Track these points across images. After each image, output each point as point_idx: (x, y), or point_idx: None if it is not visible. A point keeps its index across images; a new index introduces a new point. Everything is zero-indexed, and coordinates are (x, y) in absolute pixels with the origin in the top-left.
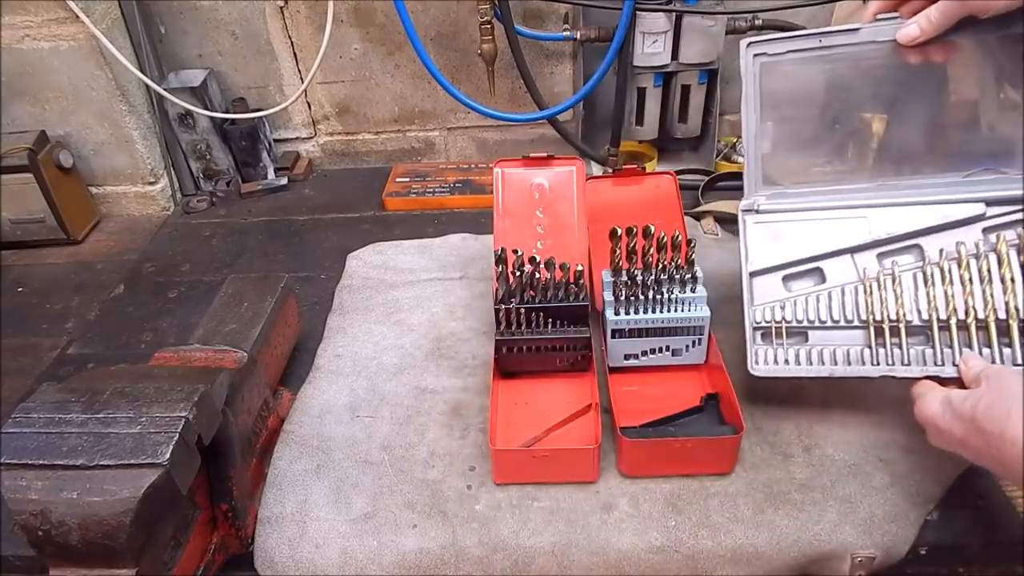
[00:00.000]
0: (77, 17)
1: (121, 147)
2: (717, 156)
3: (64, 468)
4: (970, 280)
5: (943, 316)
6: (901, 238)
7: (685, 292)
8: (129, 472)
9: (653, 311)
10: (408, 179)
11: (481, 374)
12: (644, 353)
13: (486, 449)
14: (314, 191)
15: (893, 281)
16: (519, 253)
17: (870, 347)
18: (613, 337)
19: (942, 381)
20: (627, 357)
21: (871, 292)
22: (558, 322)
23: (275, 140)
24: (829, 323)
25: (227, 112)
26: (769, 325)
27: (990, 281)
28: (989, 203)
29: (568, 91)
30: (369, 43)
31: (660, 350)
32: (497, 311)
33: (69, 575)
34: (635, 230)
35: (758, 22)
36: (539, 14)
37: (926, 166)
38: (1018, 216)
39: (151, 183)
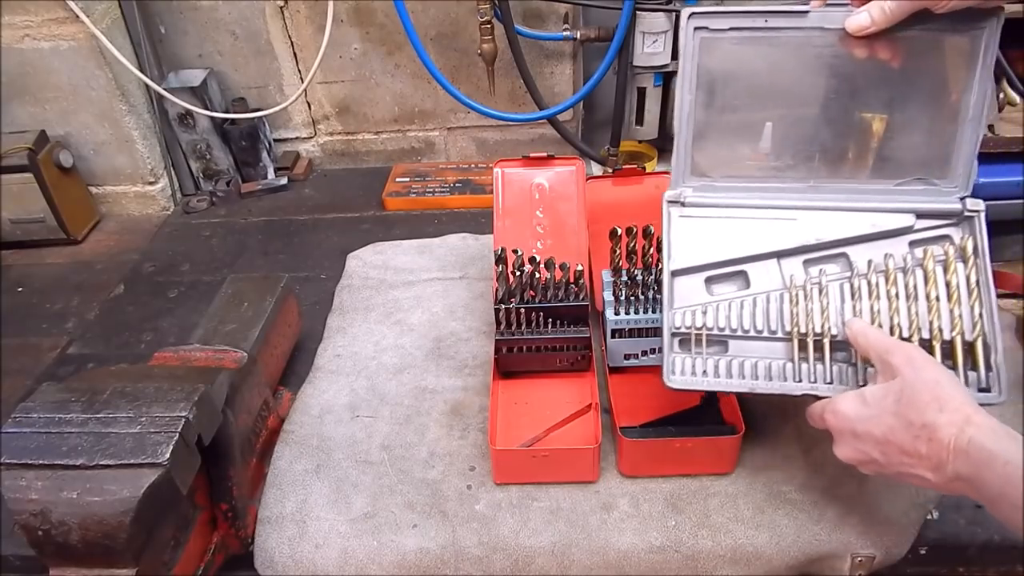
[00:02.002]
0: (77, 17)
1: (121, 147)
2: None
3: (64, 468)
4: (896, 296)
5: None
6: (829, 245)
7: None
8: (129, 472)
9: (653, 311)
10: (408, 179)
11: (481, 374)
12: (644, 353)
13: (486, 449)
14: (314, 191)
15: (820, 292)
16: (519, 253)
17: (792, 361)
18: (613, 337)
19: None
20: (627, 357)
21: (796, 302)
22: (558, 322)
23: (275, 140)
24: (752, 332)
25: (227, 112)
26: (688, 332)
27: (915, 299)
28: (919, 215)
29: (568, 91)
30: (369, 43)
31: (660, 350)
32: (497, 311)
33: (69, 575)
34: (635, 230)
35: None
36: (539, 14)
37: (860, 170)
38: (945, 231)
39: (151, 183)
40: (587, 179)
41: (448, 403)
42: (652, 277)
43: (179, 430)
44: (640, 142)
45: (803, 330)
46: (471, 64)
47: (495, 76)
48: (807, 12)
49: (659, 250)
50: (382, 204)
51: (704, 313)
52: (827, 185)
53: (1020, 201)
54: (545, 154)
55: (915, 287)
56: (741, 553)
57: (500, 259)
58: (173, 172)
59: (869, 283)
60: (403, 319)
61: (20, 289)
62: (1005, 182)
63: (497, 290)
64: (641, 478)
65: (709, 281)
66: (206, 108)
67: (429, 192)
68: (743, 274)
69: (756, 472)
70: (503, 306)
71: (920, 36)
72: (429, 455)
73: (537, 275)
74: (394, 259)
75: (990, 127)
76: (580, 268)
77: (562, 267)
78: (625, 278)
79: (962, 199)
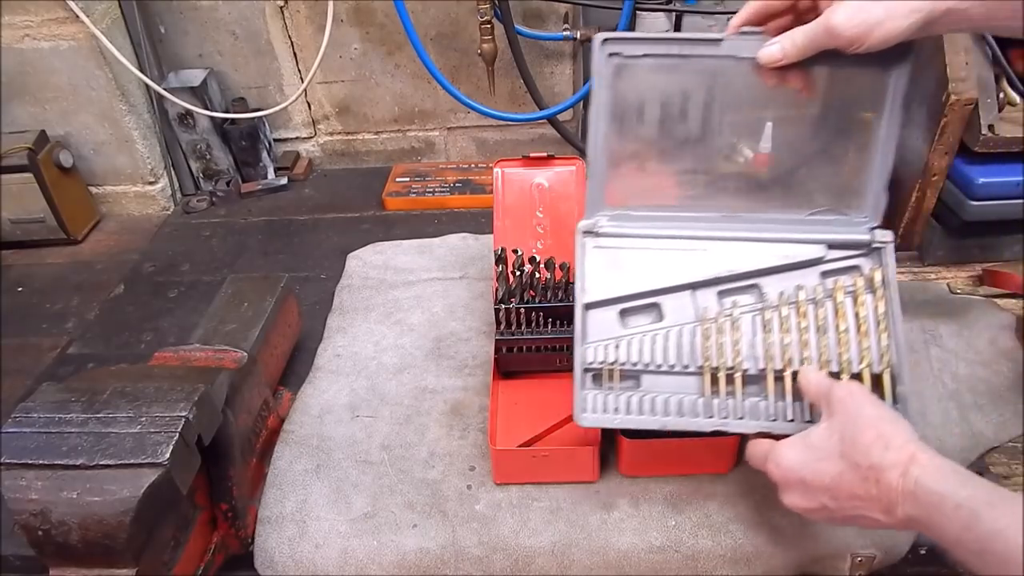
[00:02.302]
0: (77, 17)
1: (121, 147)
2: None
3: (64, 468)
4: (806, 329)
5: (778, 366)
6: (742, 276)
7: None
8: (129, 472)
9: None
10: (408, 179)
11: (481, 374)
12: None
13: (486, 449)
14: (314, 191)
15: (732, 325)
16: (519, 253)
17: (704, 396)
18: None
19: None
20: None
21: (708, 336)
22: (558, 322)
23: (275, 140)
24: (664, 367)
25: (227, 112)
26: (601, 367)
27: (825, 331)
28: (830, 245)
29: (568, 91)
30: (369, 43)
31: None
32: (497, 311)
33: (69, 575)
34: None
35: None
36: (539, 14)
37: (773, 200)
38: (855, 261)
39: (151, 183)
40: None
41: (448, 403)
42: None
43: (179, 430)
44: None
45: (715, 364)
46: (471, 64)
47: (495, 76)
48: (721, 40)
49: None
50: (382, 204)
51: (617, 348)
52: (740, 215)
53: (1020, 201)
54: (545, 154)
55: (825, 319)
56: (741, 553)
57: (500, 259)
58: (173, 172)
59: (780, 315)
60: (403, 319)
61: (20, 289)
62: (1005, 182)
63: (497, 290)
64: (641, 478)
65: (623, 314)
66: (206, 108)
67: (429, 192)
68: (657, 306)
69: (756, 472)
70: (503, 306)
71: (832, 70)
72: (429, 455)
73: (537, 275)
74: (394, 259)
75: (990, 127)
76: None
77: (562, 267)
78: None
79: (871, 230)
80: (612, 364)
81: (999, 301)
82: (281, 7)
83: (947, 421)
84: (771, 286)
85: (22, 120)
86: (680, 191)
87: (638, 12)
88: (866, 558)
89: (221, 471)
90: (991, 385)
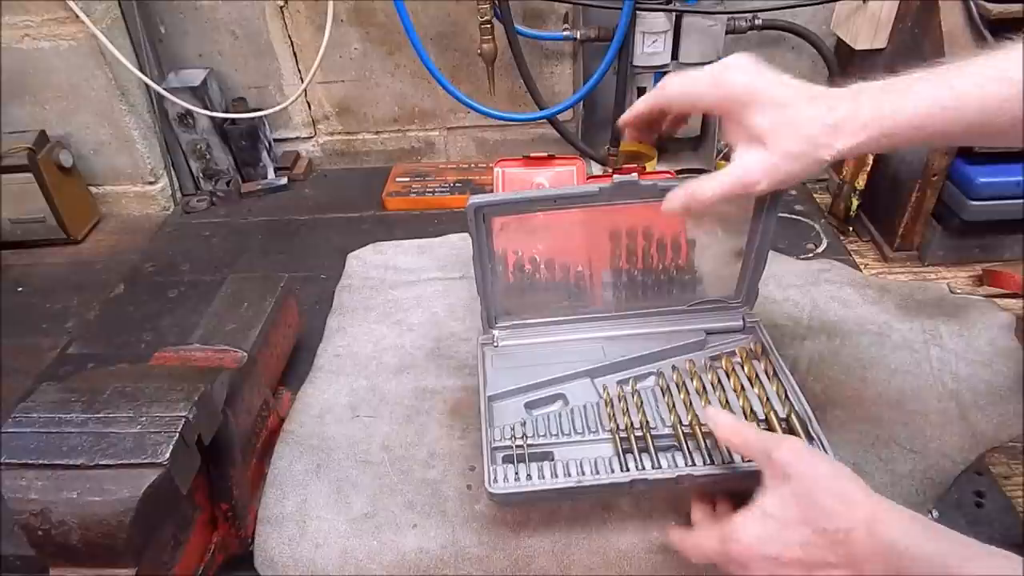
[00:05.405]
0: (77, 17)
1: (121, 147)
2: (717, 155)
3: (64, 468)
4: (704, 390)
5: (686, 422)
6: (636, 361)
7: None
8: (129, 472)
9: None
10: (408, 179)
11: None
12: None
13: None
14: (314, 191)
15: (634, 395)
16: (519, 253)
17: (618, 455)
18: None
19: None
20: None
21: (612, 405)
22: None
23: (275, 140)
24: (574, 437)
25: (227, 112)
26: (510, 446)
27: (723, 389)
28: (709, 332)
29: (568, 91)
30: (369, 43)
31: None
32: None
33: (69, 575)
34: (635, 230)
35: (758, 22)
36: (539, 14)
37: (657, 297)
38: (737, 344)
39: (151, 183)
40: (587, 179)
41: (448, 403)
42: (652, 278)
43: (179, 430)
44: (640, 142)
45: (622, 426)
46: (471, 64)
47: (495, 76)
48: (597, 193)
49: (659, 250)
50: (382, 204)
51: (523, 425)
52: (627, 312)
53: (1020, 201)
54: (545, 154)
55: (719, 381)
56: None
57: (500, 259)
58: (173, 172)
59: (678, 384)
60: (403, 319)
61: (20, 289)
62: (1005, 182)
63: None
64: None
65: (528, 406)
66: (206, 108)
67: (429, 192)
68: (560, 396)
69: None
70: None
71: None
72: (429, 455)
73: (537, 275)
74: (394, 259)
75: None
76: (580, 269)
77: (562, 267)
78: (625, 279)
79: (744, 316)
80: (520, 439)
81: (999, 301)
82: (281, 7)
83: (947, 421)
84: (665, 366)
85: (22, 120)
86: (571, 303)
87: (638, 12)
88: None
89: (221, 471)
90: (991, 385)
